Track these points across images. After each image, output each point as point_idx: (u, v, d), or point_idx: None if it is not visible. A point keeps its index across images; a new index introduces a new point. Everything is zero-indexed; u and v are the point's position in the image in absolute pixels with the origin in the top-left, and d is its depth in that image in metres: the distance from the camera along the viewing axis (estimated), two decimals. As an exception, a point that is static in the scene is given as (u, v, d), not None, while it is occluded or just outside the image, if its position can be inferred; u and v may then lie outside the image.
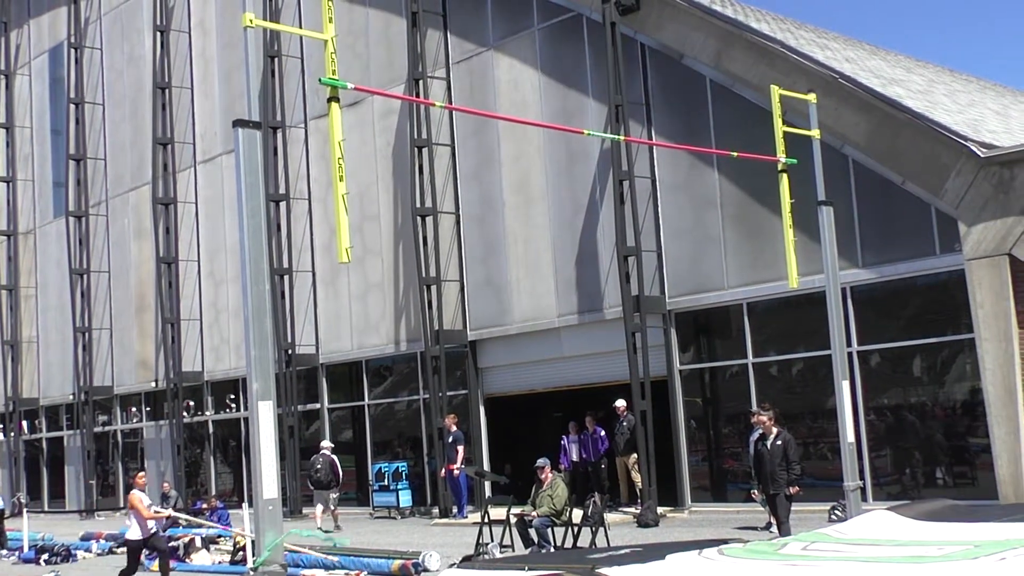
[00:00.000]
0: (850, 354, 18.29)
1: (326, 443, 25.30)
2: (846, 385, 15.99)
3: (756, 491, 16.60)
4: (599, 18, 22.08)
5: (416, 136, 25.30)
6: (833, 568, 6.58)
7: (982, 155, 17.31)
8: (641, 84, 22.15)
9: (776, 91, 16.48)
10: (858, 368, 19.04)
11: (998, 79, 35.56)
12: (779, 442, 15.09)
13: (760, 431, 15.71)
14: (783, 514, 15.11)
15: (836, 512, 17.44)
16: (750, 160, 17.84)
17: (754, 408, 19.44)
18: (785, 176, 16.42)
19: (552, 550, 15.70)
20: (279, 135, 29.19)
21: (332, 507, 24.25)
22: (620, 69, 21.63)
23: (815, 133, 16.78)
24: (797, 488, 15.29)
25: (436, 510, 24.70)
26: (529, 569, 7.61)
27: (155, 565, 19.01)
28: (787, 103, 16.83)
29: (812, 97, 17.12)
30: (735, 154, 17.41)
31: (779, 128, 16.13)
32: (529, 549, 16.13)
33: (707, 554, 7.24)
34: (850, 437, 15.85)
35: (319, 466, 24.24)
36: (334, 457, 24.86)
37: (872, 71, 22.20)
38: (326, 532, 21.28)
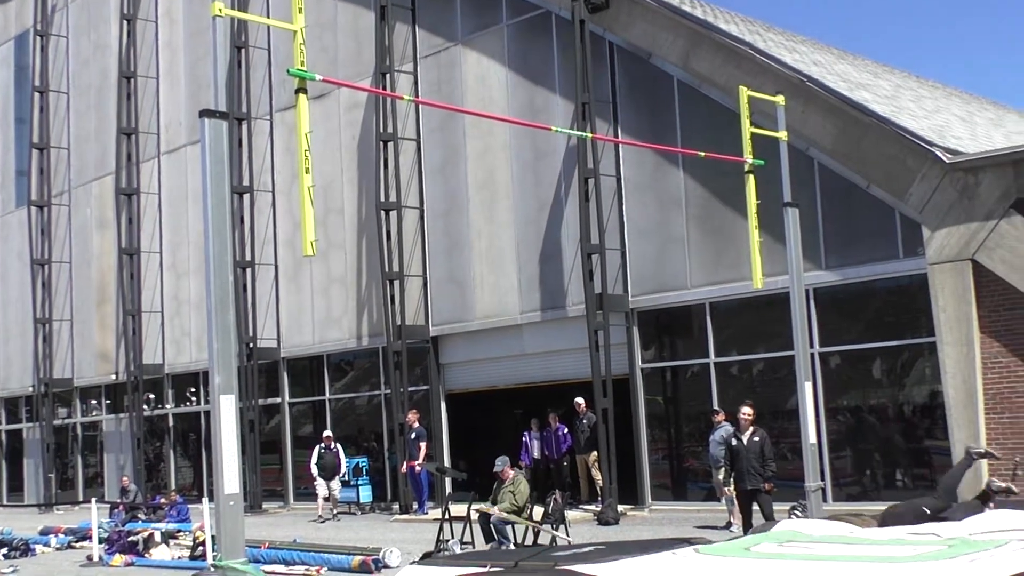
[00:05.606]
0: (812, 355, 18.35)
1: (326, 433, 25.66)
2: (808, 386, 16.03)
3: (729, 488, 16.67)
4: (568, 15, 22.07)
5: (382, 130, 25.18)
6: (807, 567, 6.56)
7: (947, 161, 17.40)
8: (608, 82, 22.16)
9: (744, 92, 16.49)
10: (819, 369, 19.13)
11: (962, 87, 35.83)
12: (756, 438, 15.20)
13: (725, 426, 15.76)
14: (767, 509, 15.27)
15: (796, 512, 17.50)
16: (716, 161, 17.85)
17: (716, 407, 19.55)
18: (752, 177, 16.44)
19: (512, 547, 15.67)
20: (244, 126, 28.95)
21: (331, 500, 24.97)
22: (588, 67, 21.64)
23: (783, 135, 16.81)
24: (771, 485, 15.39)
25: (396, 506, 24.63)
26: (491, 566, 7.53)
27: (115, 559, 18.88)
28: (754, 104, 16.84)
29: (780, 99, 17.14)
30: (702, 154, 17.41)
31: (746, 129, 16.13)
32: (490, 545, 16.10)
33: (680, 552, 7.20)
34: (812, 438, 15.91)
35: None
36: (319, 448, 25.09)
37: (839, 75, 22.31)
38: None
